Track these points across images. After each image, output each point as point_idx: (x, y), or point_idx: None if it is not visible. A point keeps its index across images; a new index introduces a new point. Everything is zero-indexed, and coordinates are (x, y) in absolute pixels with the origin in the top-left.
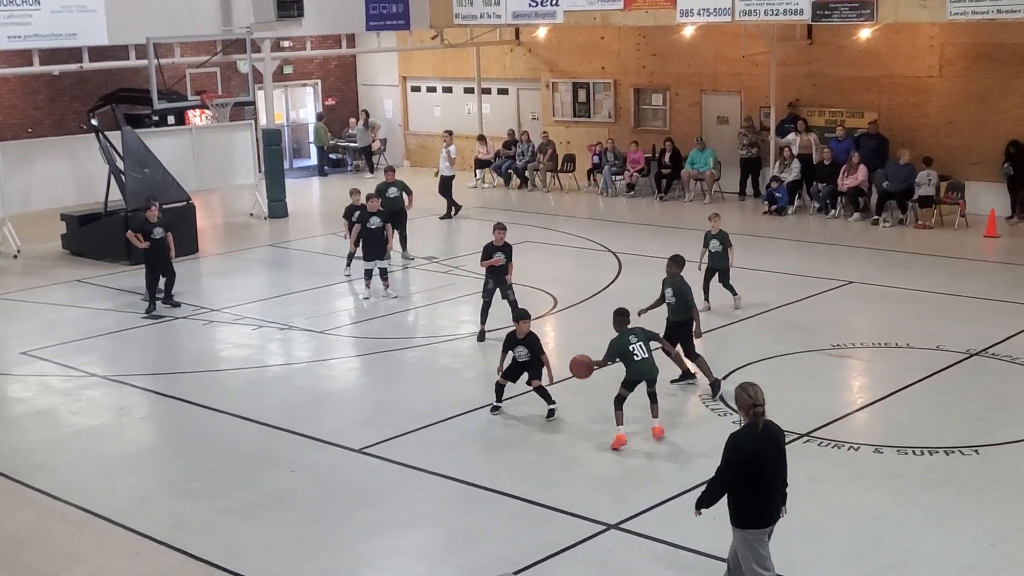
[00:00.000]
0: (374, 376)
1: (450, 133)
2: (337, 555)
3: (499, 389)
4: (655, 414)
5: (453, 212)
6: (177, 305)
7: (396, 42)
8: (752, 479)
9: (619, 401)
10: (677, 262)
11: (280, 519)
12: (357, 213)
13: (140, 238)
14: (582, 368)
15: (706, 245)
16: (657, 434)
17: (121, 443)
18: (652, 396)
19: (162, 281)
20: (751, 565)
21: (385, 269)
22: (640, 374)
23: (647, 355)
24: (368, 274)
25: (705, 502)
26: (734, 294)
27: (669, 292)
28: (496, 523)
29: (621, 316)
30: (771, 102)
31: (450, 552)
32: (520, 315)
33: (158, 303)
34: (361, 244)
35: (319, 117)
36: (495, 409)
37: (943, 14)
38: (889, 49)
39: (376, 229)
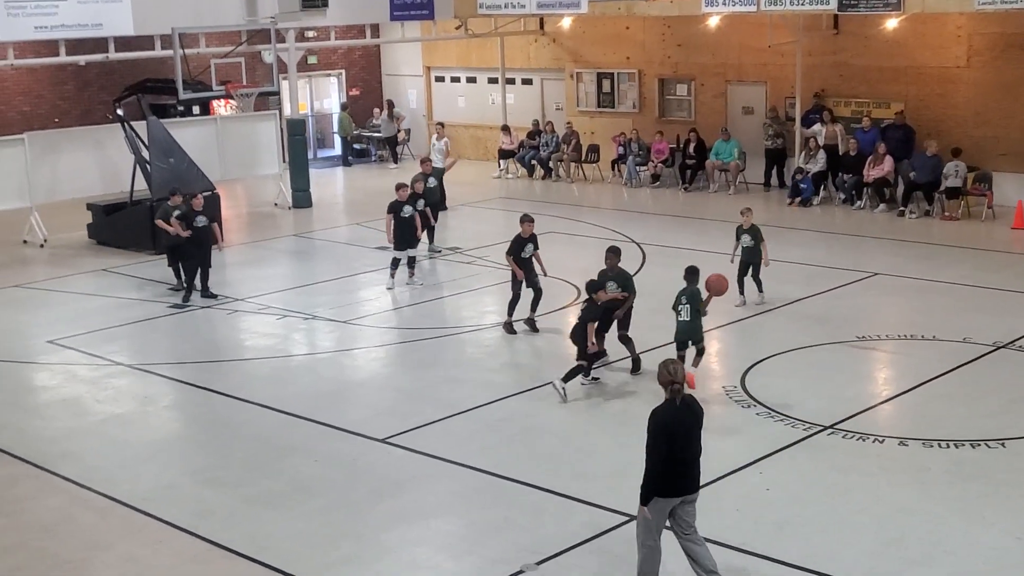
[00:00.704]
0: (398, 366)
1: (442, 125)
2: (360, 544)
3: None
4: (695, 364)
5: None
6: (214, 296)
7: (420, 32)
8: (668, 451)
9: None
10: (615, 252)
11: (304, 508)
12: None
13: (183, 226)
14: (721, 283)
15: (738, 239)
16: (690, 381)
17: (146, 431)
18: (698, 351)
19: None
20: (640, 531)
21: (414, 257)
22: (677, 332)
23: (688, 318)
24: (396, 264)
25: (649, 486)
26: (760, 290)
27: (612, 285)
28: (518, 513)
29: (688, 273)
30: (797, 92)
31: (472, 542)
32: (593, 287)
33: (195, 294)
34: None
35: (343, 107)
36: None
37: (971, 3)
38: (916, 39)
39: (409, 218)
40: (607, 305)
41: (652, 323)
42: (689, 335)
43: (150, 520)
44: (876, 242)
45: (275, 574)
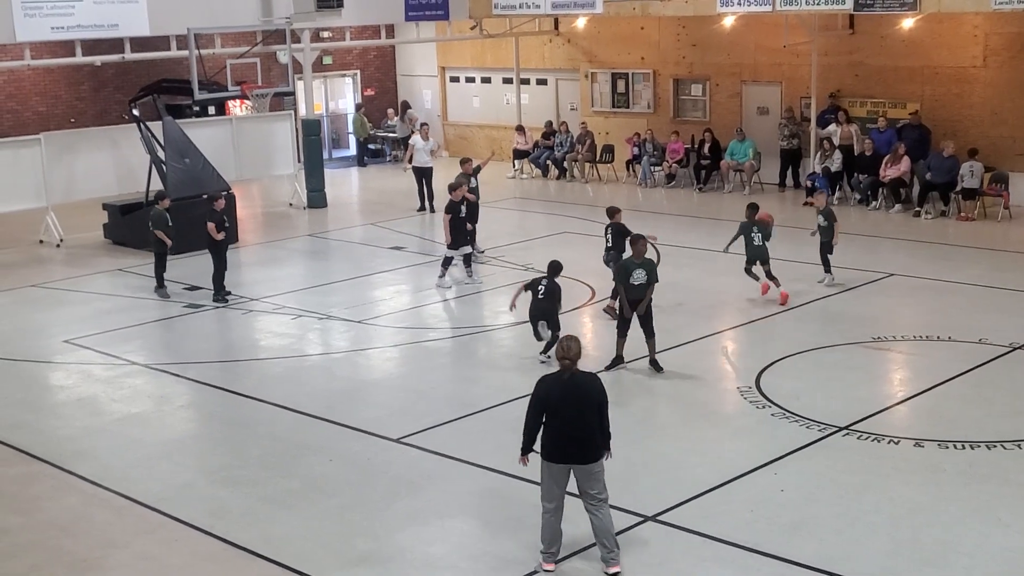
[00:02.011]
0: (412, 366)
1: (426, 125)
2: (375, 544)
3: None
4: (767, 276)
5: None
6: (229, 293)
7: (435, 32)
8: (548, 418)
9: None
10: (641, 240)
11: (319, 507)
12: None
13: (215, 228)
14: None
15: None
16: (764, 289)
17: (162, 431)
18: (767, 270)
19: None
20: (541, 487)
21: (470, 255)
22: (750, 254)
23: (760, 243)
24: (448, 263)
25: (524, 441)
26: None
27: (639, 273)
28: (532, 513)
29: (750, 209)
30: (812, 92)
31: (486, 542)
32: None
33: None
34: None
35: (358, 108)
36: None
37: (988, 3)
38: (932, 39)
39: (463, 217)
40: (633, 296)
41: (675, 323)
42: (759, 255)
43: (166, 519)
44: (892, 242)
45: (290, 573)
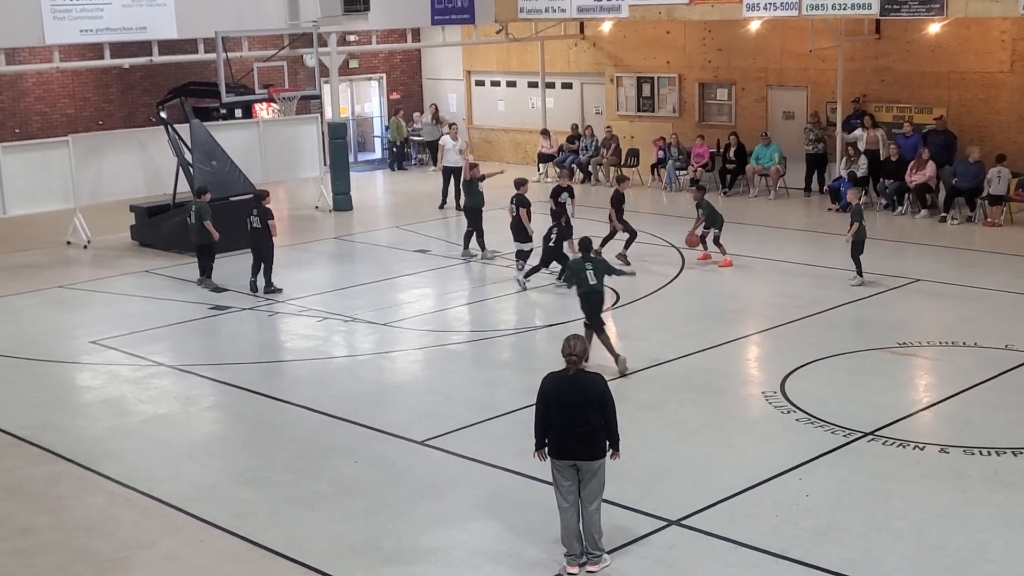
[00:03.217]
0: (437, 369)
1: (454, 126)
2: (400, 545)
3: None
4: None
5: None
6: (279, 291)
7: (461, 36)
8: (548, 415)
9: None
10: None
11: (344, 509)
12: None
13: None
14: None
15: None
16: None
17: (188, 432)
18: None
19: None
20: (555, 486)
21: (523, 252)
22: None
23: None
24: (521, 255)
25: (536, 438)
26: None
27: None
28: (556, 517)
29: (700, 189)
30: (838, 97)
31: (511, 545)
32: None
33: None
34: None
35: (396, 111)
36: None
37: (1015, 8)
38: (959, 44)
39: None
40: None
41: (700, 327)
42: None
43: (191, 519)
44: (917, 248)
45: (315, 574)
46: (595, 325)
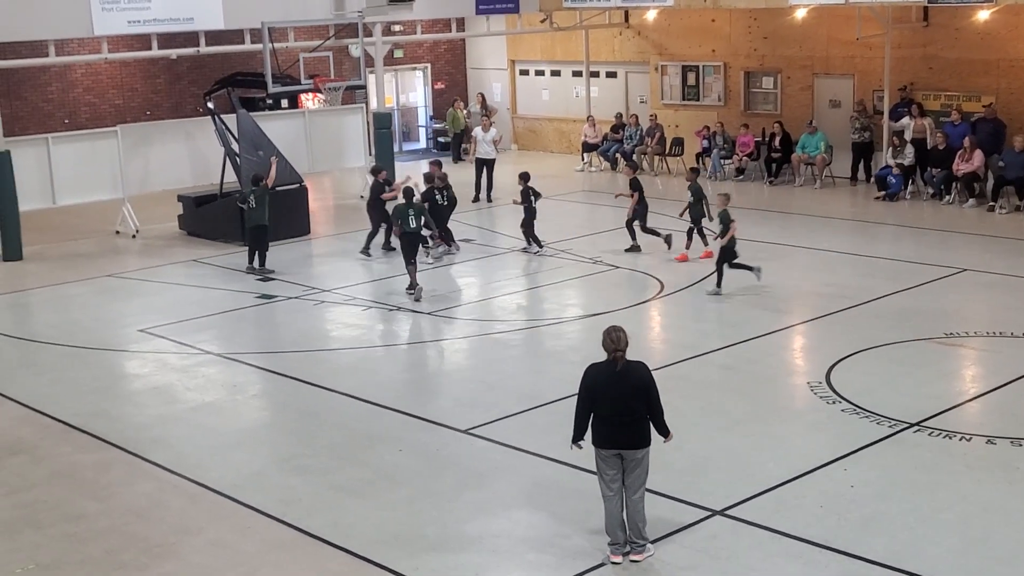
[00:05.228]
0: (480, 357)
1: (488, 117)
2: (444, 533)
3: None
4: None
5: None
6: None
7: (505, 25)
8: (593, 405)
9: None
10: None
11: (388, 497)
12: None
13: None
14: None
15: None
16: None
17: (235, 419)
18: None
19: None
20: (599, 475)
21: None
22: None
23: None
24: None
25: (574, 429)
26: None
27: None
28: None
29: (693, 171)
30: (885, 86)
31: (554, 534)
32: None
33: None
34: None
35: (452, 102)
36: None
37: None
38: (1009, 31)
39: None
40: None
41: (745, 317)
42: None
43: (238, 506)
44: (965, 237)
45: (360, 562)
46: (411, 261)
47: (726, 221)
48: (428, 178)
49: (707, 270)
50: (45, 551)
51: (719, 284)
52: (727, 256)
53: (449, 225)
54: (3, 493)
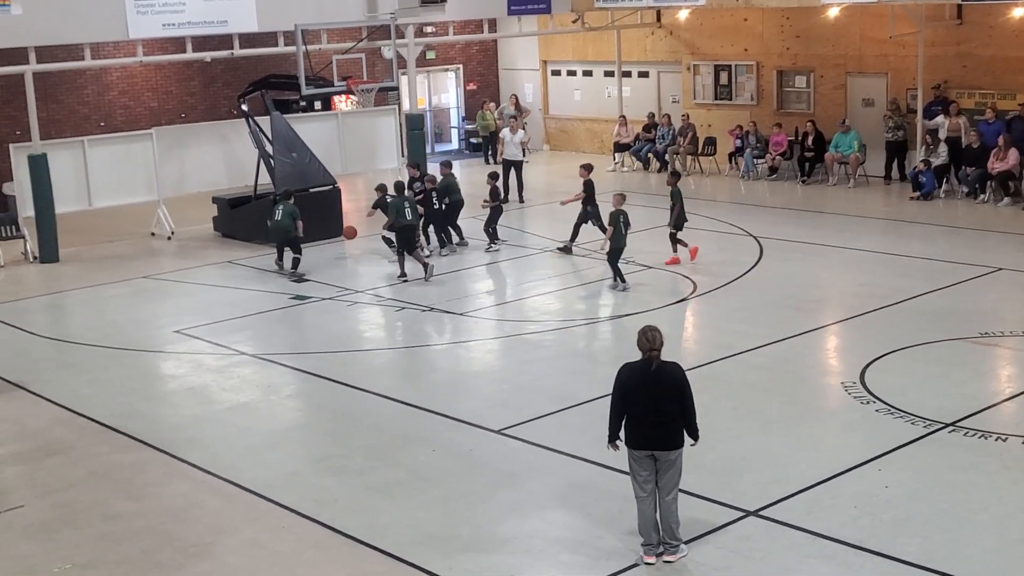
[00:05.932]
0: (512, 358)
1: (515, 119)
2: (478, 534)
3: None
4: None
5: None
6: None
7: (537, 26)
8: (625, 406)
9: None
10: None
11: (422, 497)
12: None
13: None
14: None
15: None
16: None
17: (269, 420)
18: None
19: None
20: (632, 476)
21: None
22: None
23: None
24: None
25: (609, 429)
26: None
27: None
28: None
29: (674, 175)
30: (918, 84)
31: (588, 534)
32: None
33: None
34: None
35: (482, 104)
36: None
37: None
38: None
39: None
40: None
41: (779, 317)
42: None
43: (273, 506)
44: (1000, 236)
45: (394, 562)
46: (410, 251)
47: (615, 223)
48: (409, 181)
49: (736, 272)
50: (82, 551)
51: (623, 279)
52: (616, 255)
53: (459, 223)
54: (41, 493)
